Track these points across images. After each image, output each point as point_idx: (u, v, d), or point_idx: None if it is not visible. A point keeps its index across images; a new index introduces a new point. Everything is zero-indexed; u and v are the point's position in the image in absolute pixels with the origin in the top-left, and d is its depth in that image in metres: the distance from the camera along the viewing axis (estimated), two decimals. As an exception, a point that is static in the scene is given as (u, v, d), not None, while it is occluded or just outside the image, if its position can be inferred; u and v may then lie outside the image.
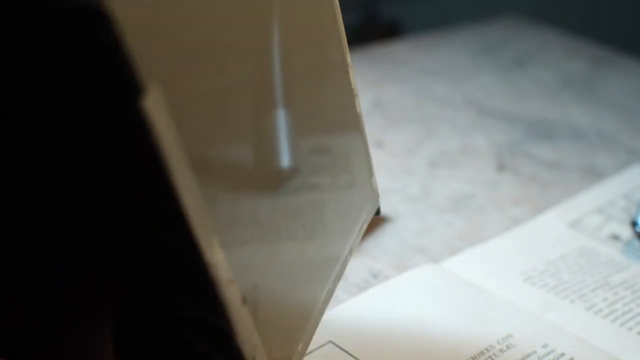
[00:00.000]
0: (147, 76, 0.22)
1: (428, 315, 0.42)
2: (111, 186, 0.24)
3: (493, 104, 0.72)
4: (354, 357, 0.39)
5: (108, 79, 0.22)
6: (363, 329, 0.41)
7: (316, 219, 0.34)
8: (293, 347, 0.32)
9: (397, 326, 0.41)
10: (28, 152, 0.25)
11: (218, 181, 0.27)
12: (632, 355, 0.41)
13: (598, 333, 0.42)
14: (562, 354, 0.40)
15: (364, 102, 0.70)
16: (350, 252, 0.37)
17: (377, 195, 0.40)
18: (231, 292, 0.26)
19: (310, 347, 0.39)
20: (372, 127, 0.66)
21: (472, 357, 0.39)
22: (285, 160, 0.32)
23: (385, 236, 0.51)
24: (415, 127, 0.67)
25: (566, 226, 0.52)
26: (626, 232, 0.52)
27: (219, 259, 0.25)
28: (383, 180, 0.58)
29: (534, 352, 0.40)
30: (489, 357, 0.40)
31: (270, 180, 0.31)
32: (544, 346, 0.40)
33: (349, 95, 0.37)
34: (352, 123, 0.38)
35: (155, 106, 0.22)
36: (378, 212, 0.41)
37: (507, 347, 0.40)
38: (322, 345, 0.39)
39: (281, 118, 0.31)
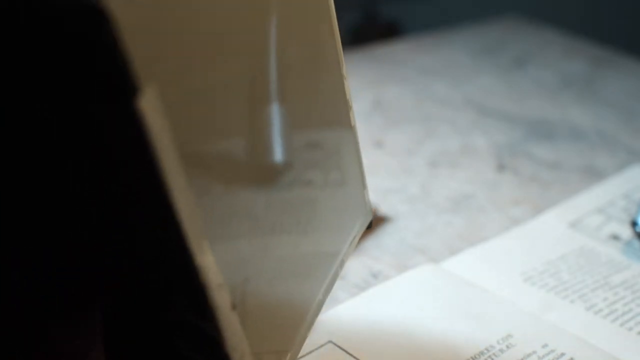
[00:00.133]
0: (144, 76, 0.22)
1: (428, 315, 0.42)
2: (104, 186, 0.24)
3: (493, 104, 0.72)
4: (354, 357, 0.39)
5: (105, 79, 0.22)
6: (363, 329, 0.41)
7: (310, 215, 0.34)
8: (287, 343, 0.32)
9: (397, 326, 0.41)
10: (24, 150, 0.24)
11: (212, 176, 0.27)
12: (632, 355, 0.41)
13: (598, 333, 0.42)
14: (562, 354, 0.40)
15: (364, 102, 0.70)
16: (341, 265, 0.37)
17: (370, 209, 0.41)
18: (221, 297, 0.26)
19: (310, 347, 0.39)
20: (372, 127, 0.66)
21: (472, 357, 0.39)
22: (278, 155, 0.32)
23: (385, 236, 0.51)
24: (415, 127, 0.67)
25: (566, 226, 0.52)
26: (626, 232, 0.52)
27: (210, 262, 0.25)
28: (383, 180, 0.58)
29: (534, 352, 0.40)
30: (489, 357, 0.40)
31: (264, 175, 0.31)
32: (544, 346, 0.40)
33: (344, 106, 0.37)
34: (346, 131, 0.38)
35: (151, 106, 0.22)
36: (370, 225, 0.41)
37: (507, 347, 0.40)
38: (322, 345, 0.39)
39: (275, 113, 0.31)
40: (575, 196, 0.56)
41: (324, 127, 0.37)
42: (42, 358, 0.29)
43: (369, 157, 0.61)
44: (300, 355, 0.39)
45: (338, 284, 0.45)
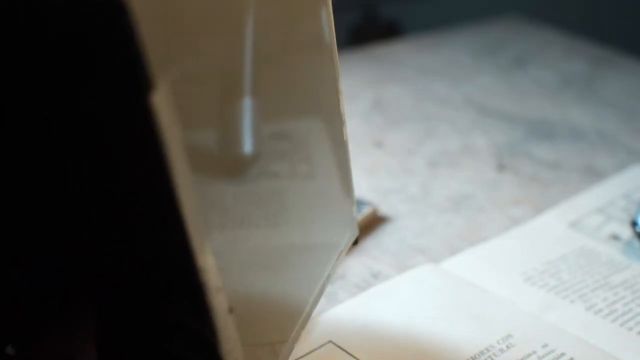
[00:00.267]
0: (157, 71, 0.22)
1: (428, 315, 0.42)
2: (111, 184, 0.24)
3: (493, 104, 0.72)
4: (354, 357, 0.39)
5: (122, 73, 0.22)
6: (363, 329, 0.41)
7: (279, 207, 0.34)
8: (271, 336, 0.31)
9: (397, 326, 0.41)
10: (33, 146, 0.24)
11: (194, 169, 0.26)
12: (632, 355, 0.41)
13: (598, 333, 0.42)
14: (562, 354, 0.40)
15: (364, 102, 0.70)
16: (328, 277, 0.37)
17: (357, 224, 0.41)
18: (219, 300, 0.25)
19: (310, 347, 0.39)
20: (372, 127, 0.66)
21: (472, 357, 0.39)
22: (248, 146, 0.31)
23: (385, 236, 0.51)
24: (415, 127, 0.66)
25: (566, 226, 0.52)
26: (626, 232, 0.52)
27: (210, 264, 0.25)
28: (383, 180, 0.58)
29: (534, 352, 0.40)
30: (489, 357, 0.40)
31: (234, 166, 0.31)
32: (544, 346, 0.40)
33: (338, 120, 0.37)
34: (340, 146, 0.38)
35: (163, 102, 0.22)
36: (356, 242, 0.41)
37: (507, 347, 0.40)
38: (322, 345, 0.39)
39: (248, 105, 0.31)
40: (575, 196, 0.56)
41: (321, 143, 0.37)
42: (35, 356, 0.29)
43: (369, 157, 0.61)
44: (300, 355, 0.39)
45: (338, 284, 0.45)
